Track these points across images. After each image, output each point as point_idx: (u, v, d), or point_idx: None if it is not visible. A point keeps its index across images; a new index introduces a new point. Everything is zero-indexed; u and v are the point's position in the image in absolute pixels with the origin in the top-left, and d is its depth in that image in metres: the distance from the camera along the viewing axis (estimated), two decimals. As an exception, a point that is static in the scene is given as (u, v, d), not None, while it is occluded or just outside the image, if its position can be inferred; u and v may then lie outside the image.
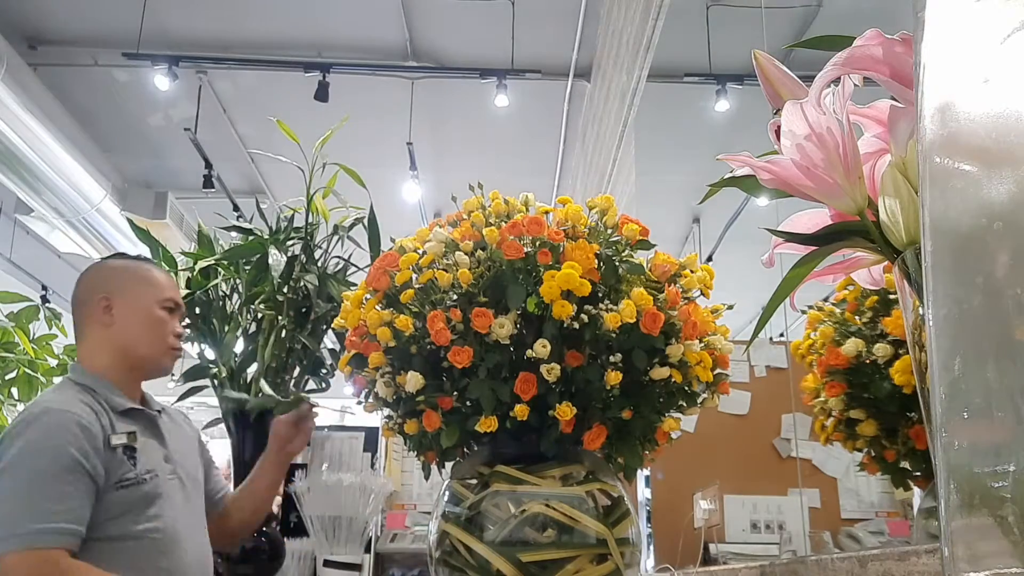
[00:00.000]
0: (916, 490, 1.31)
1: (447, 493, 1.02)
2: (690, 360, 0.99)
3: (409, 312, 1.01)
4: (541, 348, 0.93)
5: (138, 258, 1.88)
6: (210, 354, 2.14)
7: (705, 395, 1.05)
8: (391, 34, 5.13)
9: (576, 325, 0.94)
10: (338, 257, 2.23)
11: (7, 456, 1.50)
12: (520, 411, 0.93)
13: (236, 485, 2.21)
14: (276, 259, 2.01)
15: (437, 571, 0.98)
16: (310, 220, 2.15)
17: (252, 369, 2.11)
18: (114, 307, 1.73)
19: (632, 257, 1.03)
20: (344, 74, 5.19)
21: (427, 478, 1.05)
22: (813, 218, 0.63)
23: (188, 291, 2.10)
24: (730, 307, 1.07)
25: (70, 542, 1.44)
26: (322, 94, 5.06)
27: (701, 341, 1.01)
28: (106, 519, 1.54)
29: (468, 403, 0.98)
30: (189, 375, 2.18)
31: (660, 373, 0.97)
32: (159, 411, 1.79)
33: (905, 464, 1.14)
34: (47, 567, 1.41)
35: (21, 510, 1.44)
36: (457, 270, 0.97)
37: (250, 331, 2.12)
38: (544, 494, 0.97)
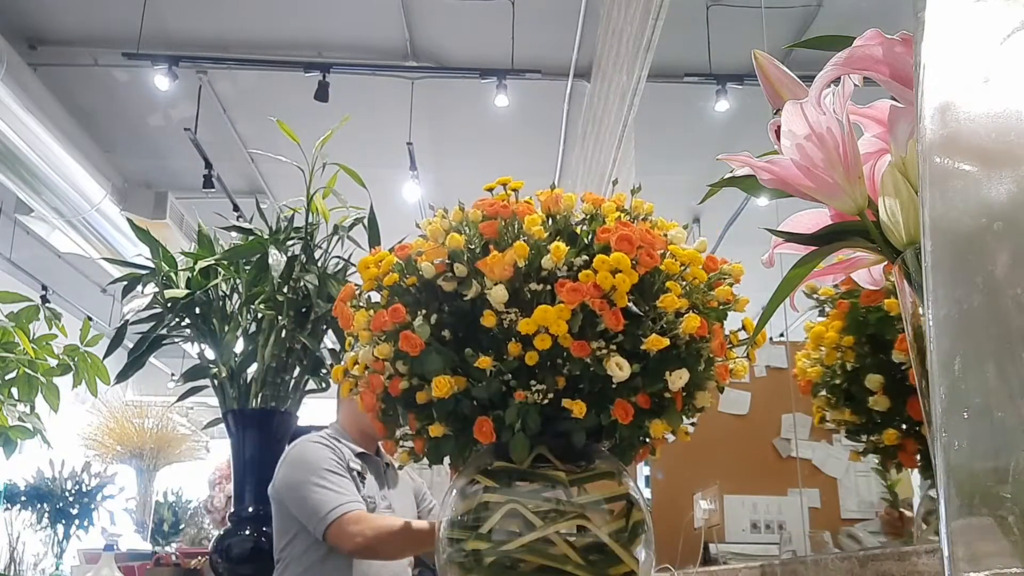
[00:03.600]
0: (916, 490, 1.31)
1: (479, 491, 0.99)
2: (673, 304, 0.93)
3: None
4: (617, 368, 0.90)
5: None
6: (210, 354, 2.14)
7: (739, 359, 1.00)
8: (391, 34, 5.13)
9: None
10: (338, 257, 2.23)
11: None
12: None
13: (235, 484, 2.21)
14: (276, 259, 2.01)
15: (447, 572, 0.97)
16: (310, 220, 2.15)
17: (252, 369, 2.11)
18: None
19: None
20: (344, 74, 5.19)
21: (417, 460, 1.05)
22: (813, 218, 0.63)
23: (188, 291, 2.10)
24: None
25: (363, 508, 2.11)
26: (322, 94, 5.06)
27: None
28: None
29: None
30: (189, 375, 2.17)
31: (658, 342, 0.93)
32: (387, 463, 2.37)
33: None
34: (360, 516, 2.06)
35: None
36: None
37: (250, 331, 2.12)
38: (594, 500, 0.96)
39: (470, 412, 0.95)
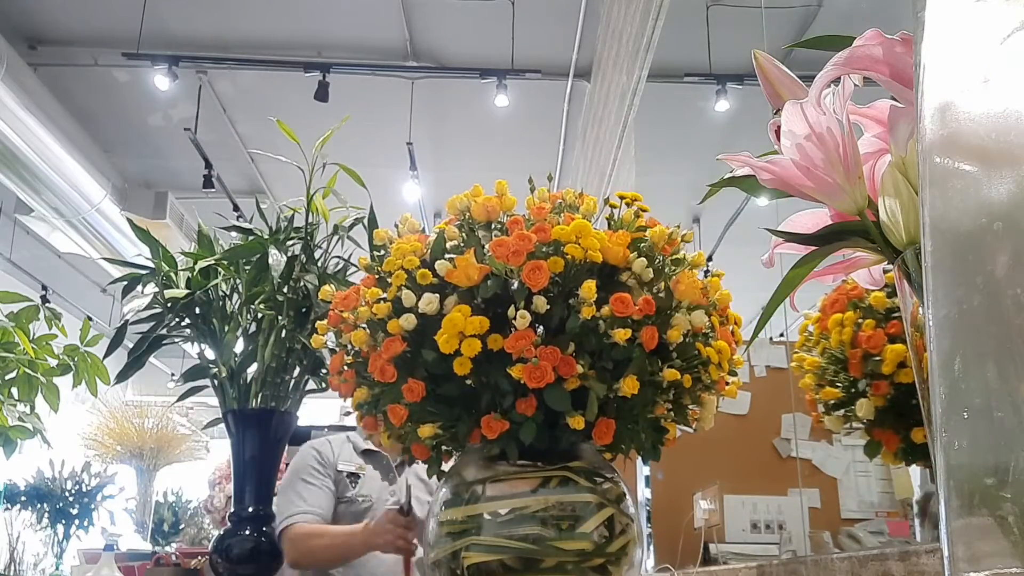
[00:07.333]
0: (916, 490, 1.31)
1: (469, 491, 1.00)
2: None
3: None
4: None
5: None
6: (210, 354, 2.14)
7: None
8: (391, 34, 5.13)
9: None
10: (338, 257, 2.23)
11: None
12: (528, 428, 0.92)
13: (235, 484, 2.21)
14: (276, 259, 2.01)
15: (436, 572, 0.97)
16: (310, 220, 2.15)
17: (252, 369, 2.11)
18: None
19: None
20: (344, 74, 5.19)
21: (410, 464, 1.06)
22: (813, 218, 0.63)
23: (188, 291, 2.10)
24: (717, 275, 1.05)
25: (313, 519, 2.12)
26: (322, 94, 5.06)
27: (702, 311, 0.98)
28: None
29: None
30: (189, 375, 2.17)
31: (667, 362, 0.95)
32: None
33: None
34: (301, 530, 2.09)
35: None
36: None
37: (250, 331, 2.12)
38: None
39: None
